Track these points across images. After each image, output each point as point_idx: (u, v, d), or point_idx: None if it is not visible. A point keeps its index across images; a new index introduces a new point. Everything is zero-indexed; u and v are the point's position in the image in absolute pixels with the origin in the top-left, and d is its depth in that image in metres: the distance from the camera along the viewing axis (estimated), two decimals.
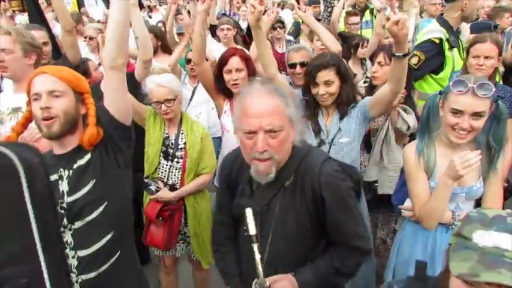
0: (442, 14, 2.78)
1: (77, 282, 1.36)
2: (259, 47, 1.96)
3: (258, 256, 1.14)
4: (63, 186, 1.33)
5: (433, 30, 2.66)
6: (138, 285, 1.56)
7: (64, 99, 1.31)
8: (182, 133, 2.09)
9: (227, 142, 2.28)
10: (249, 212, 1.15)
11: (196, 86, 3.00)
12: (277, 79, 1.97)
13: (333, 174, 1.24)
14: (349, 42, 3.41)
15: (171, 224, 2.09)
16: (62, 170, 1.34)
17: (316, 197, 1.22)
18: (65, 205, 1.32)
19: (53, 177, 1.32)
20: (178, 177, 2.09)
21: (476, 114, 1.44)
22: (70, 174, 1.34)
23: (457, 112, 1.46)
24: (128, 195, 1.50)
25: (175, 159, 2.07)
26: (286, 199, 1.26)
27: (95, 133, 1.33)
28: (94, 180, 1.33)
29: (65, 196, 1.33)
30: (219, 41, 3.67)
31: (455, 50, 2.63)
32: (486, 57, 2.16)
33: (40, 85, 1.30)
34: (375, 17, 4.89)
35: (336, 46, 2.35)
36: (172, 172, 2.09)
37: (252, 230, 1.14)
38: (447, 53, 2.60)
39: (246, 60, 2.17)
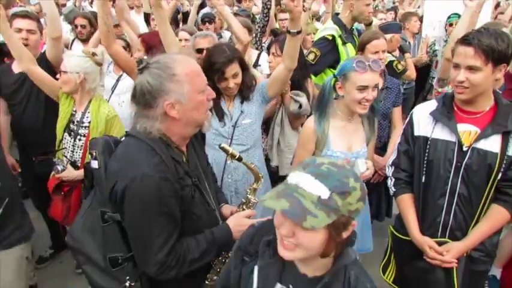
0: (337, 14, 3.19)
1: None
2: (161, 28, 2.10)
3: None
4: None
5: (326, 28, 3.05)
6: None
7: None
8: (88, 112, 2.26)
9: None
10: None
11: (122, 75, 3.16)
12: None
13: None
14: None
15: (69, 199, 2.26)
16: None
17: None
18: None
19: None
20: (79, 155, 2.28)
21: (375, 86, 1.80)
22: None
23: (363, 88, 1.78)
24: None
25: (78, 137, 2.25)
26: None
27: None
28: None
29: None
30: None
31: (349, 45, 3.01)
32: (383, 51, 2.57)
33: None
34: None
35: (245, 37, 2.64)
36: (75, 150, 2.27)
37: None
38: (340, 48, 2.98)
39: None
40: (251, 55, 3.37)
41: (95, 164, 1.34)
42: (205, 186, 1.46)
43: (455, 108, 1.68)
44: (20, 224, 1.97)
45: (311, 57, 2.93)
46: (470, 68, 1.53)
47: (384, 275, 2.02)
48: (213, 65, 1.99)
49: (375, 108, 1.95)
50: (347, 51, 2.96)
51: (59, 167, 2.22)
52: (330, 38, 2.96)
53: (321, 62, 2.93)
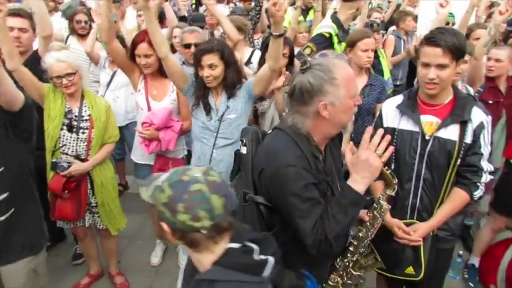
0: (335, 12, 3.42)
1: None
2: (149, 27, 2.22)
3: None
4: None
5: (324, 26, 3.27)
6: (31, 237, 2.02)
7: None
8: (85, 105, 2.43)
9: (140, 120, 2.67)
10: None
11: (116, 71, 3.39)
12: (169, 58, 2.27)
13: None
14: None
15: (78, 194, 2.42)
16: None
17: None
18: None
19: None
20: (83, 148, 2.45)
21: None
22: None
23: None
24: (25, 164, 1.97)
25: (81, 131, 2.41)
26: None
27: None
28: None
29: None
30: None
31: (344, 44, 3.24)
32: (372, 50, 2.81)
33: None
34: None
35: (235, 35, 2.87)
36: (78, 144, 2.43)
37: None
38: (336, 46, 3.20)
39: None
40: (245, 53, 3.60)
41: (244, 150, 1.53)
42: (337, 187, 1.56)
43: (419, 102, 1.92)
44: (27, 235, 1.98)
45: (307, 51, 3.11)
46: (440, 66, 1.76)
47: None
48: (195, 54, 2.22)
49: None
50: (342, 50, 3.13)
51: (65, 164, 2.33)
52: (327, 35, 3.18)
53: None
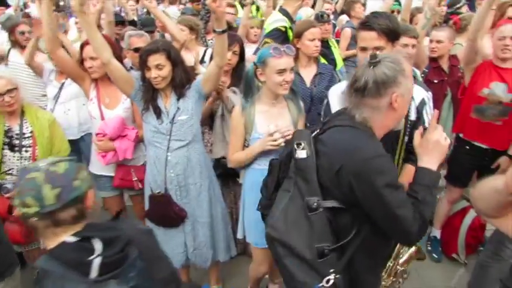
0: (281, 6, 3.48)
1: None
2: (87, 32, 2.17)
3: None
4: None
5: (278, 20, 3.33)
6: None
7: None
8: (26, 122, 2.36)
9: (95, 130, 2.59)
10: None
11: (64, 83, 3.28)
12: (111, 63, 2.20)
13: None
14: None
15: None
16: None
17: None
18: None
19: None
20: None
21: (292, 69, 2.08)
22: None
23: (281, 71, 2.05)
24: None
25: (24, 149, 2.35)
26: None
27: None
28: None
29: None
30: None
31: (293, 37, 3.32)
32: (319, 39, 2.89)
33: None
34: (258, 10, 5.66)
35: (180, 36, 2.87)
36: (22, 163, 2.35)
37: None
38: (291, 39, 3.28)
39: None
40: (198, 52, 3.59)
41: (302, 154, 1.44)
42: None
43: None
44: None
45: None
46: (377, 49, 1.84)
47: None
48: (140, 55, 2.21)
49: (295, 90, 2.24)
50: None
51: (9, 186, 2.25)
52: (283, 29, 3.24)
53: None
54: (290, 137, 2.03)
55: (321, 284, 1.39)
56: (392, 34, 1.85)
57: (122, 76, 2.28)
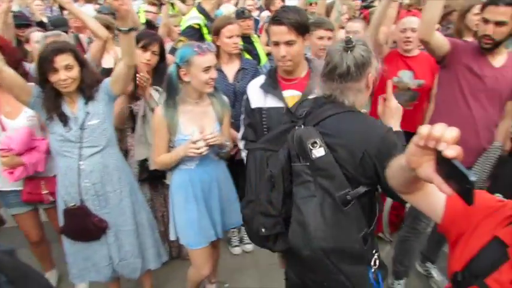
0: (200, 3, 3.45)
1: None
2: None
3: None
4: None
5: (192, 17, 3.29)
6: None
7: None
8: None
9: None
10: None
11: None
12: (3, 70, 1.99)
13: None
14: None
15: None
16: None
17: None
18: None
19: None
20: None
21: (215, 66, 2.05)
22: None
23: (207, 69, 2.02)
24: None
25: None
26: None
27: None
28: None
29: None
30: None
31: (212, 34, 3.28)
32: (237, 36, 2.86)
33: None
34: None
35: (103, 32, 2.70)
36: None
37: None
38: (207, 36, 3.25)
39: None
40: (117, 52, 3.41)
41: (320, 152, 1.41)
42: None
43: (279, 79, 2.05)
44: None
45: (180, 45, 3.10)
46: (288, 43, 1.89)
47: None
48: (42, 56, 2.00)
49: (216, 87, 2.23)
50: None
51: None
52: (197, 26, 3.18)
53: None
54: (215, 142, 2.03)
55: (372, 270, 1.47)
56: (302, 28, 1.90)
57: (16, 84, 2.06)
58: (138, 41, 2.58)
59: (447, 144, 0.78)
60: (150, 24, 4.15)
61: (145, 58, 2.64)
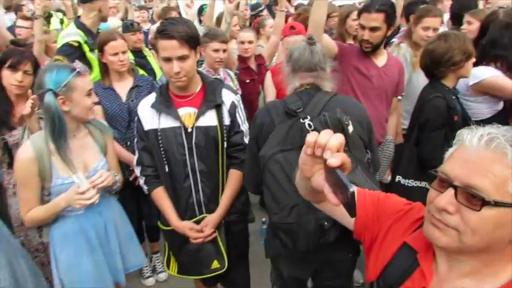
0: (79, 17, 3.08)
1: None
2: None
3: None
4: None
5: (70, 34, 2.90)
6: None
7: None
8: None
9: None
10: None
11: None
12: None
13: None
14: None
15: None
16: None
17: None
18: None
19: None
20: None
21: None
22: None
23: (90, 92, 1.78)
24: None
25: None
26: None
27: None
28: None
29: None
30: None
31: (97, 51, 2.93)
32: (123, 52, 2.57)
33: None
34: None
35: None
36: None
37: None
38: (88, 54, 2.89)
39: None
40: None
41: (351, 128, 1.58)
42: None
43: (172, 96, 1.87)
44: None
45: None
46: (181, 58, 1.72)
47: (168, 269, 2.14)
48: None
49: None
50: (97, 57, 2.73)
51: None
52: (76, 44, 2.81)
53: None
54: (107, 183, 1.78)
55: None
56: (193, 41, 1.74)
57: None
58: (3, 61, 2.22)
59: (331, 152, 0.76)
60: (17, 43, 3.60)
61: (15, 79, 2.24)
